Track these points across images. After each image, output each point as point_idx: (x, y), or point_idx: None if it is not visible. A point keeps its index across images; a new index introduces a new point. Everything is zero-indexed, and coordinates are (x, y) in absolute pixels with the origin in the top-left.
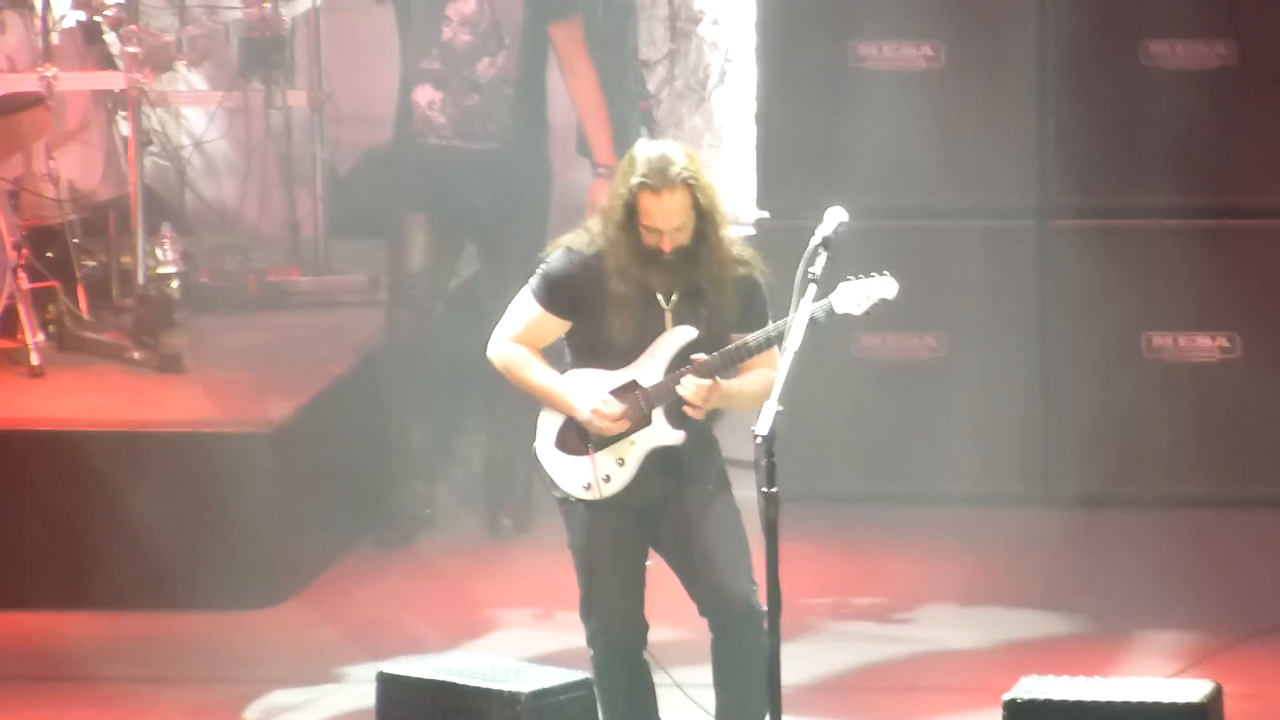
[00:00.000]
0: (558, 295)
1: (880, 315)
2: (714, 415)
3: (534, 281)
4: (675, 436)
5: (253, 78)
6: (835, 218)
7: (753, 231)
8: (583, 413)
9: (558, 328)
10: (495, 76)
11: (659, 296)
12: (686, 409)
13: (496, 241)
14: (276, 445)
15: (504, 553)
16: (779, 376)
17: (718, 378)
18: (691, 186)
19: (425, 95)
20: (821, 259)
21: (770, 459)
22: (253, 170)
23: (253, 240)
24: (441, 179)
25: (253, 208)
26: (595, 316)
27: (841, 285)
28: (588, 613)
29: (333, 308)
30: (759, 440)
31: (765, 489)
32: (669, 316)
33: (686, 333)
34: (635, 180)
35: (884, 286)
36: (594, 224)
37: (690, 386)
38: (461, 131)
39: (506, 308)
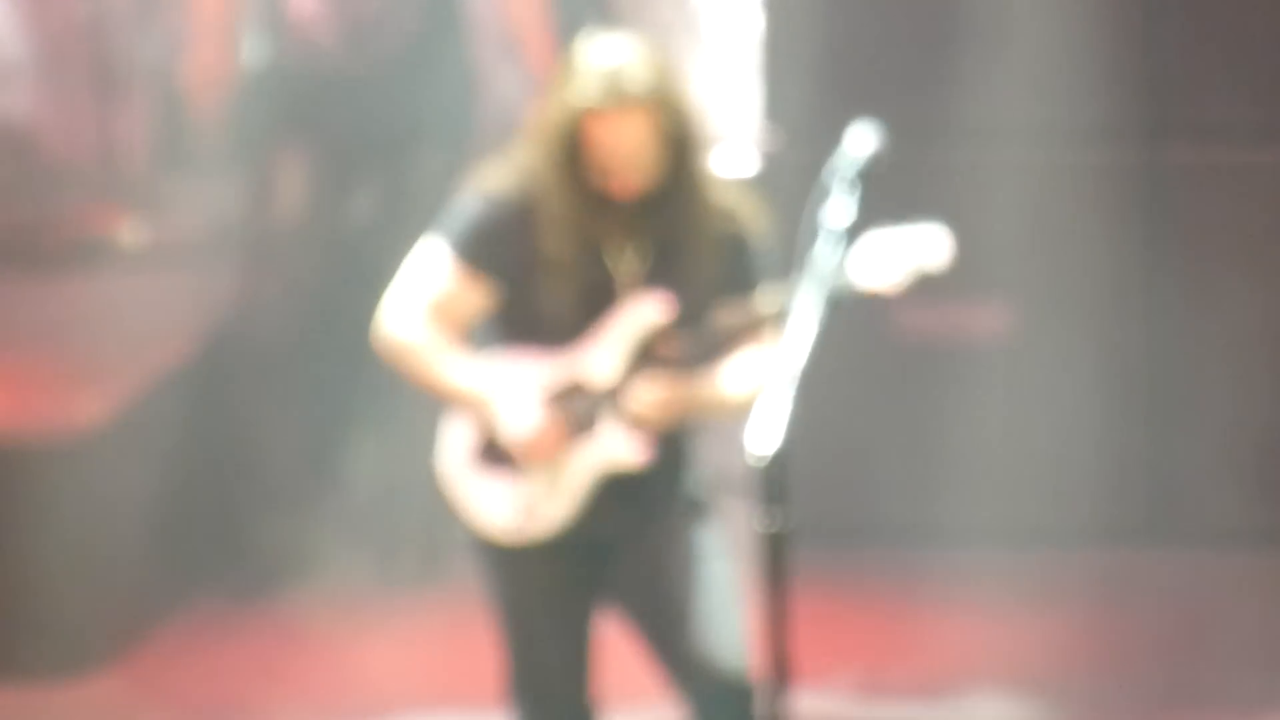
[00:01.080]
0: (479, 248)
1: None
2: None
3: (444, 230)
4: (634, 455)
5: None
6: (864, 141)
7: (749, 162)
8: (510, 424)
9: (476, 296)
10: None
11: (606, 259)
12: (637, 421)
13: (398, 183)
14: (85, 460)
15: (400, 609)
16: (783, 370)
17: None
18: (657, 104)
19: (306, 5)
20: (844, 205)
21: (776, 487)
22: (51, 75)
23: (53, 174)
24: (325, 106)
25: (52, 128)
26: (524, 284)
27: (861, 247)
28: (516, 692)
29: (167, 269)
30: (759, 462)
31: (767, 527)
32: (621, 284)
33: (650, 308)
34: (577, 99)
35: (929, 248)
36: (521, 157)
37: (647, 394)
38: (353, 48)
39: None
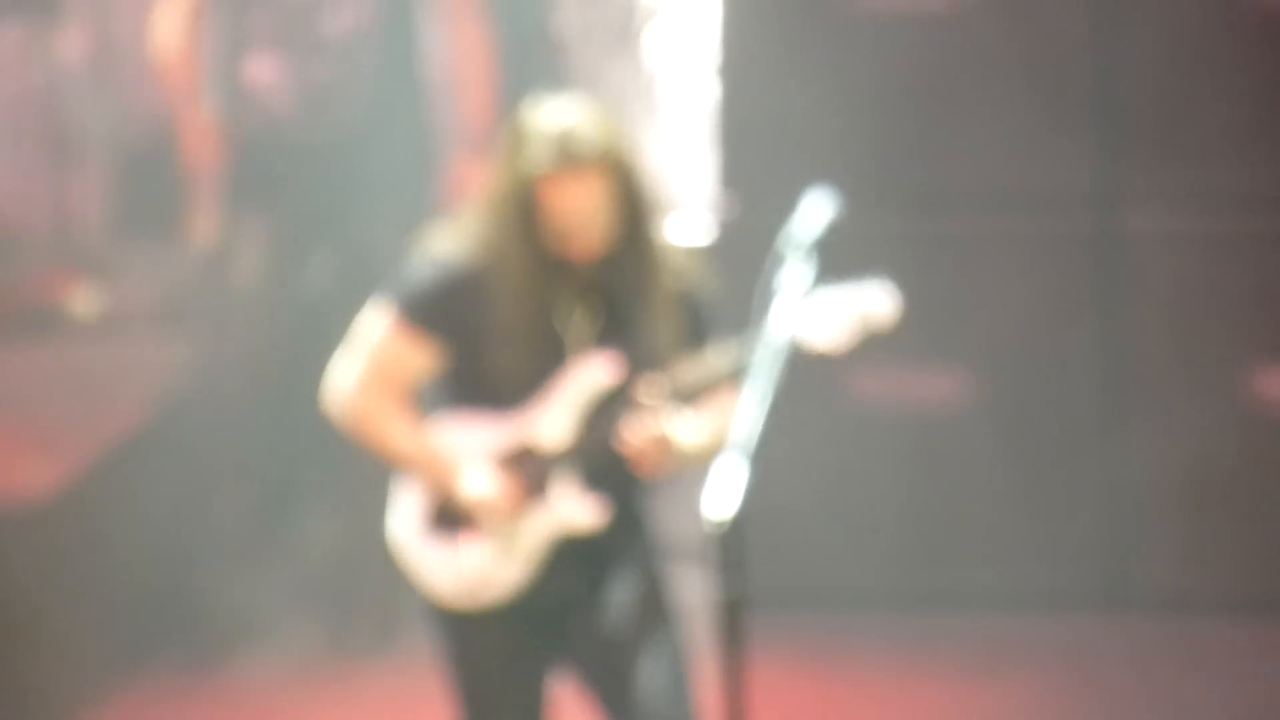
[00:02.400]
0: (430, 312)
1: (881, 345)
2: (637, 483)
3: (391, 293)
4: (587, 517)
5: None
6: (819, 209)
7: (706, 229)
8: (467, 486)
9: (423, 358)
10: (349, 31)
11: (557, 321)
12: (629, 463)
13: (353, 249)
14: (37, 529)
15: (353, 676)
16: (738, 435)
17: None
18: (609, 166)
19: (264, 72)
20: (799, 272)
21: (733, 554)
22: (4, 142)
23: (7, 241)
24: (281, 175)
25: (5, 194)
26: (475, 346)
27: (808, 305)
28: None
29: (121, 337)
30: (716, 528)
31: (724, 594)
32: (572, 346)
33: (600, 369)
34: (529, 163)
35: (875, 305)
36: (471, 220)
37: (641, 431)
38: (309, 115)
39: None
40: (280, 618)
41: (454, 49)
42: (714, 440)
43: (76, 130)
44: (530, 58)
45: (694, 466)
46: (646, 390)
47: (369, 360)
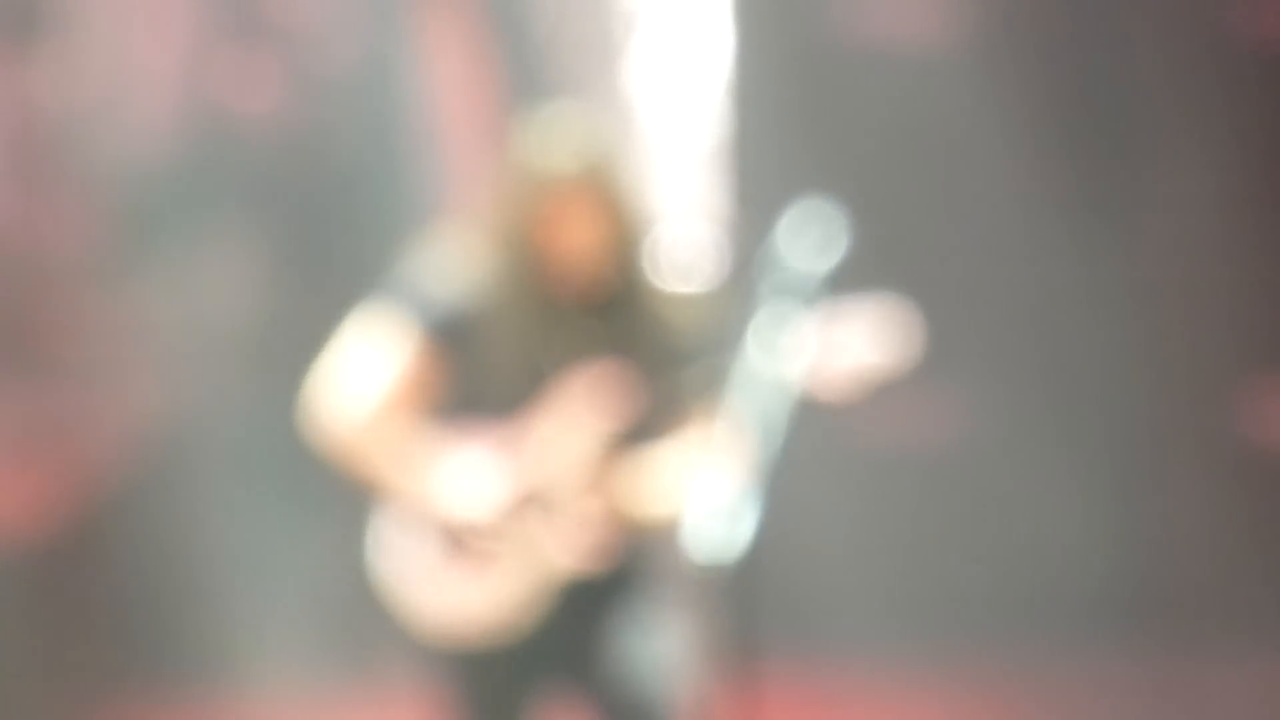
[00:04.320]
0: (453, 333)
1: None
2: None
3: (404, 307)
4: (584, 553)
5: None
6: (813, 222)
7: (718, 251)
8: (466, 508)
9: (438, 381)
10: (338, 63)
11: (555, 346)
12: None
13: (332, 274)
14: (12, 562)
15: (329, 706)
16: (742, 476)
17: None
18: (606, 209)
19: (216, 58)
20: (799, 312)
21: (740, 596)
22: None
23: None
24: (249, 173)
25: None
26: (469, 377)
27: (815, 350)
28: None
29: (101, 371)
30: (720, 569)
31: (733, 637)
32: (568, 370)
33: (591, 408)
34: (529, 204)
35: (883, 352)
36: (470, 247)
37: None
38: (286, 140)
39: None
40: (255, 649)
41: (445, 77)
42: (664, 499)
43: (54, 167)
44: (530, 71)
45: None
46: (623, 429)
47: (388, 383)
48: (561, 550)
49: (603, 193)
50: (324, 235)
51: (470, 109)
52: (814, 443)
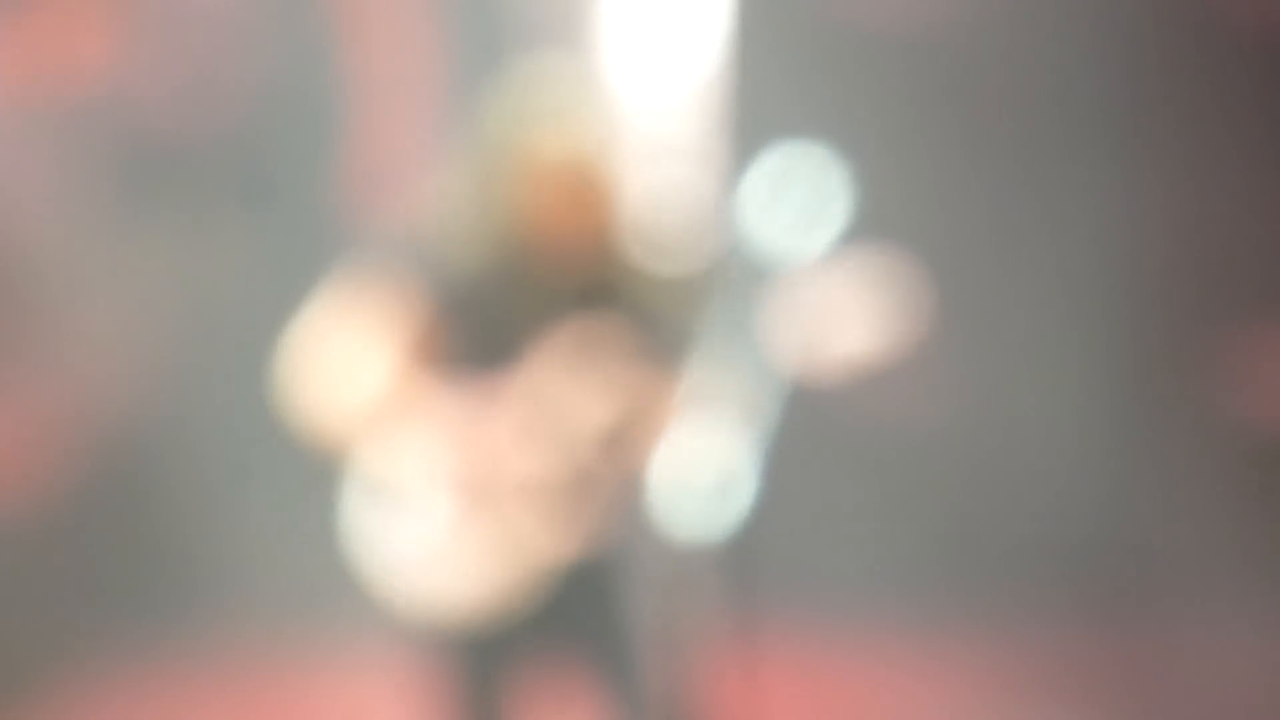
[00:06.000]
0: (453, 297)
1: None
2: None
3: (408, 277)
4: (558, 537)
5: None
6: (807, 171)
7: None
8: (457, 459)
9: (438, 343)
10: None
11: (531, 330)
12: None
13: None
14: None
15: (319, 659)
16: (738, 448)
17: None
18: (588, 179)
19: (140, 47)
20: (794, 292)
21: (733, 572)
22: None
23: None
24: (173, 174)
25: None
26: (457, 347)
27: (806, 326)
28: None
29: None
30: (713, 545)
31: (727, 611)
32: (547, 354)
33: (574, 385)
34: (507, 175)
35: (870, 333)
36: (447, 234)
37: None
38: (196, 112)
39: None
40: (249, 599)
41: (388, 48)
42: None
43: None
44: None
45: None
46: (610, 407)
47: (391, 353)
48: (548, 528)
49: (584, 172)
50: (253, 192)
51: (418, 72)
52: (807, 418)
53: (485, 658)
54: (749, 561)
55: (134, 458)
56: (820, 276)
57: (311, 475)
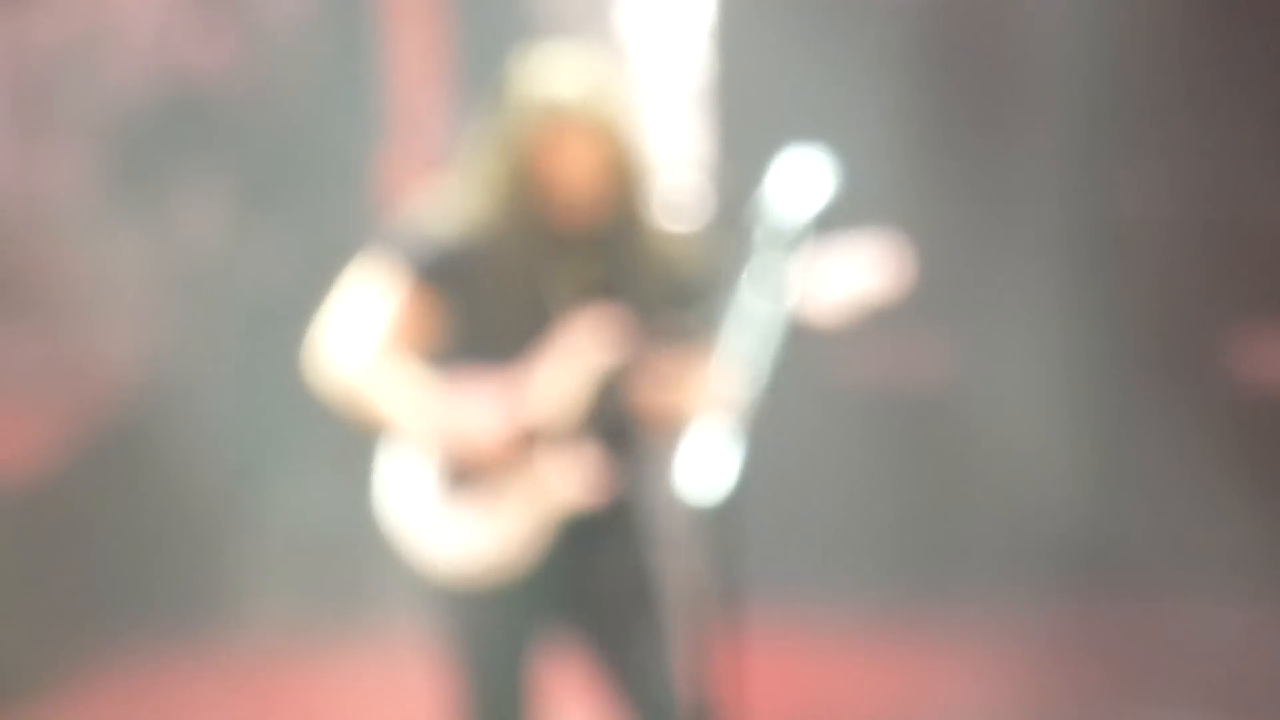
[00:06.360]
0: (444, 275)
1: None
2: (629, 458)
3: (405, 260)
4: (581, 495)
5: None
6: (801, 167)
7: (705, 200)
8: (471, 435)
9: (437, 324)
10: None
11: (553, 284)
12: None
13: (303, 213)
14: (6, 503)
15: (333, 651)
16: (731, 414)
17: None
18: (603, 135)
19: (177, 17)
20: (791, 244)
21: (727, 537)
22: None
23: None
24: (222, 135)
25: None
26: (470, 314)
27: (806, 276)
28: None
29: (84, 314)
30: (707, 510)
31: (719, 578)
32: (567, 307)
33: (593, 340)
34: (520, 131)
35: (875, 277)
36: (462, 188)
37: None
38: (242, 75)
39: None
40: (249, 590)
41: (404, 42)
42: (686, 404)
43: (43, 108)
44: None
45: (670, 427)
46: (637, 355)
47: (384, 325)
48: (563, 487)
49: (602, 119)
50: (291, 176)
51: (430, 53)
52: (802, 382)
53: (500, 617)
54: (738, 526)
55: (147, 446)
56: (809, 248)
57: (329, 463)
